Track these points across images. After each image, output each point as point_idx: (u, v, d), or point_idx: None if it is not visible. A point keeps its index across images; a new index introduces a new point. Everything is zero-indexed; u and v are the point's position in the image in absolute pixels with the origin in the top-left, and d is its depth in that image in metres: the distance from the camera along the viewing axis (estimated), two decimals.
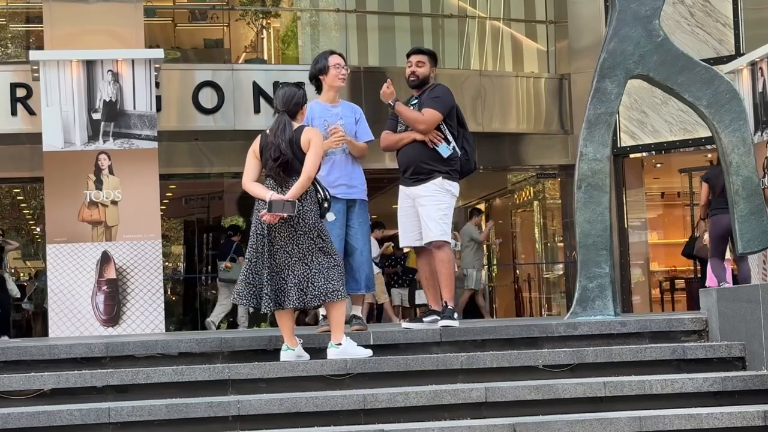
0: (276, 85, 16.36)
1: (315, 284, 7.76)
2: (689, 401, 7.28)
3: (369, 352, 7.85)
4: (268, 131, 7.98)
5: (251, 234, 7.93)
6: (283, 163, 7.80)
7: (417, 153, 8.91)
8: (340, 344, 7.78)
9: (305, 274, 7.77)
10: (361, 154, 8.81)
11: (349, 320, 8.71)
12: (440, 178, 8.87)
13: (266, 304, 7.79)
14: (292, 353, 7.79)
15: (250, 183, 7.94)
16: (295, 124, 7.93)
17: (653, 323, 8.43)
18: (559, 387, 7.29)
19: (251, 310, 7.98)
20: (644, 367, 7.81)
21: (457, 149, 8.94)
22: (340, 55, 8.90)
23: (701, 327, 8.43)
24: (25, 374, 7.53)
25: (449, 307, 8.87)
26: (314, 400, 7.03)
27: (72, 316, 13.75)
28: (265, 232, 7.80)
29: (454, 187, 8.93)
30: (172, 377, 7.49)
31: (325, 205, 7.91)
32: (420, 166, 8.91)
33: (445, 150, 8.87)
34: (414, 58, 9.14)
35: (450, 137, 8.90)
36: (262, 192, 7.82)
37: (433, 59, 9.16)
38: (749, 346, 7.84)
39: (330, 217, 8.11)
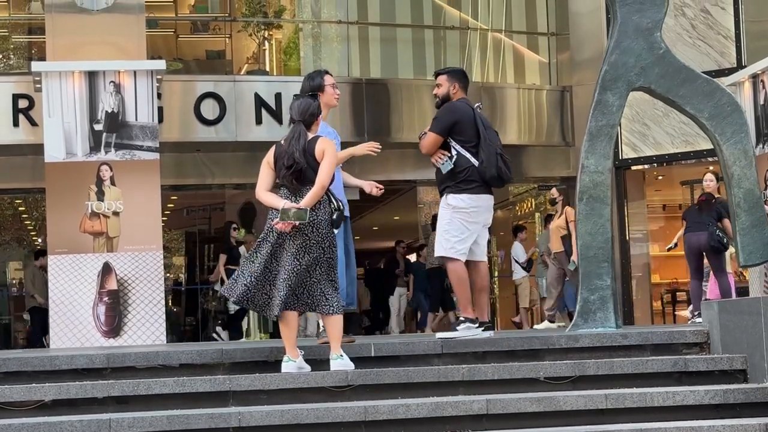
0: (278, 96, 16.42)
1: (310, 293, 7.84)
2: (691, 414, 7.27)
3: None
4: (282, 141, 8.05)
5: (260, 240, 7.98)
6: (296, 171, 7.87)
7: (436, 170, 9.14)
8: (342, 355, 7.79)
9: (304, 281, 7.83)
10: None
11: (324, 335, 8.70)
12: (446, 195, 8.99)
13: (270, 310, 7.88)
14: (294, 365, 7.79)
15: (264, 192, 8.02)
16: (310, 135, 8.02)
17: (655, 335, 8.42)
18: (560, 399, 7.28)
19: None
20: (645, 379, 7.80)
21: (471, 161, 8.93)
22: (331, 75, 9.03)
23: (703, 339, 8.43)
24: (26, 385, 7.52)
25: (460, 318, 8.94)
26: (315, 412, 7.03)
27: (73, 327, 13.75)
28: (276, 240, 7.86)
29: (458, 200, 8.92)
30: (173, 388, 7.48)
31: (336, 216, 7.98)
32: (439, 183, 9.13)
33: (445, 167, 8.98)
34: (437, 81, 9.26)
35: (455, 151, 8.94)
36: (275, 201, 7.88)
37: (452, 77, 9.23)
38: (751, 358, 7.83)
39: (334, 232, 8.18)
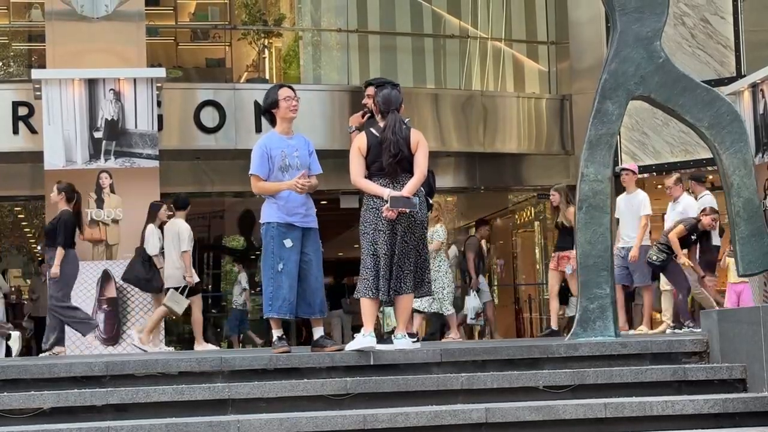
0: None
1: (425, 273, 8.37)
2: (690, 423, 7.26)
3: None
4: (373, 130, 8.42)
5: (368, 231, 8.32)
6: (401, 159, 8.28)
7: None
8: (405, 336, 8.28)
9: (417, 262, 8.32)
10: (313, 191, 8.95)
11: (320, 342, 8.68)
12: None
13: (384, 293, 8.27)
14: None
15: (363, 180, 8.37)
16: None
17: (654, 344, 8.41)
18: (559, 408, 7.27)
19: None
20: (645, 388, 7.79)
21: None
22: (290, 87, 9.01)
23: (702, 348, 8.42)
24: (25, 393, 7.51)
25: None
26: (314, 420, 7.02)
27: (72, 334, 13.74)
28: (387, 226, 8.22)
29: None
30: (172, 396, 7.47)
31: (430, 201, 8.69)
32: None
33: None
34: (366, 92, 9.49)
35: None
36: (379, 189, 8.28)
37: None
38: (750, 367, 7.82)
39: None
